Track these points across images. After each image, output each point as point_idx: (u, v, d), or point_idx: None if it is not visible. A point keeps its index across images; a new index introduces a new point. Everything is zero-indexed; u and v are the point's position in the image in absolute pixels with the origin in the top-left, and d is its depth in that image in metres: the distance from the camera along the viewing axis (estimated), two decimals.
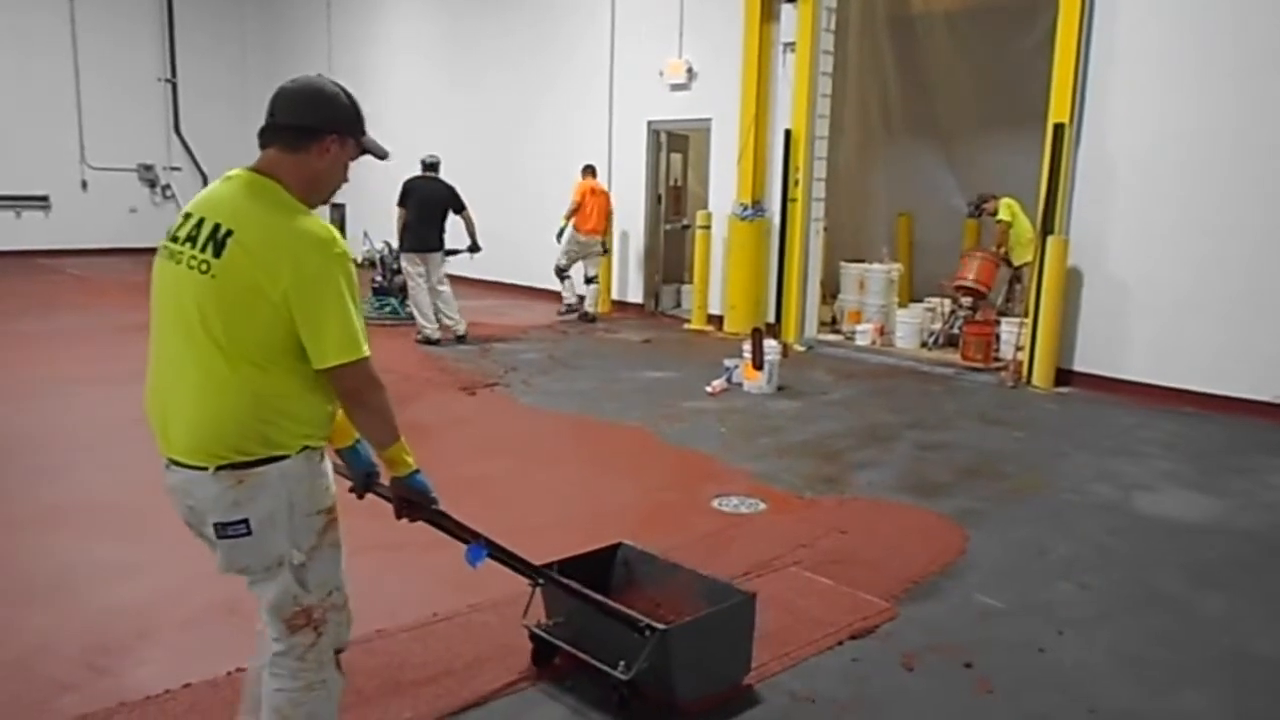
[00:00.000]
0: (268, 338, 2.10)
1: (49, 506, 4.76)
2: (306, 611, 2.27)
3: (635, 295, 12.20)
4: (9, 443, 5.86)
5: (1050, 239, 8.05)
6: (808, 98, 9.86)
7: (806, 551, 4.41)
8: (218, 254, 2.08)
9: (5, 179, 15.84)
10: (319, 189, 2.26)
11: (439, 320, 9.61)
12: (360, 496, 2.50)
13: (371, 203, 15.27)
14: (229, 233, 2.09)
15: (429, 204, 9.53)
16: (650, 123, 11.66)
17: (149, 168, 17.11)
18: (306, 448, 2.21)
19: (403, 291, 10.73)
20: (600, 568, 3.40)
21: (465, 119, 13.98)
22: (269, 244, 2.09)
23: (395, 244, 10.18)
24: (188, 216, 2.19)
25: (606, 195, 11.34)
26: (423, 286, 9.55)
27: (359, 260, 11.84)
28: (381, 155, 2.37)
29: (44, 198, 16.27)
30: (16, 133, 15.75)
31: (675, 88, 11.27)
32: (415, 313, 9.63)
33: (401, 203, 9.55)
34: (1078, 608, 3.95)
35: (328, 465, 2.32)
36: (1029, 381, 8.23)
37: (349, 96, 2.27)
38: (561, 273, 11.46)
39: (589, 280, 11.41)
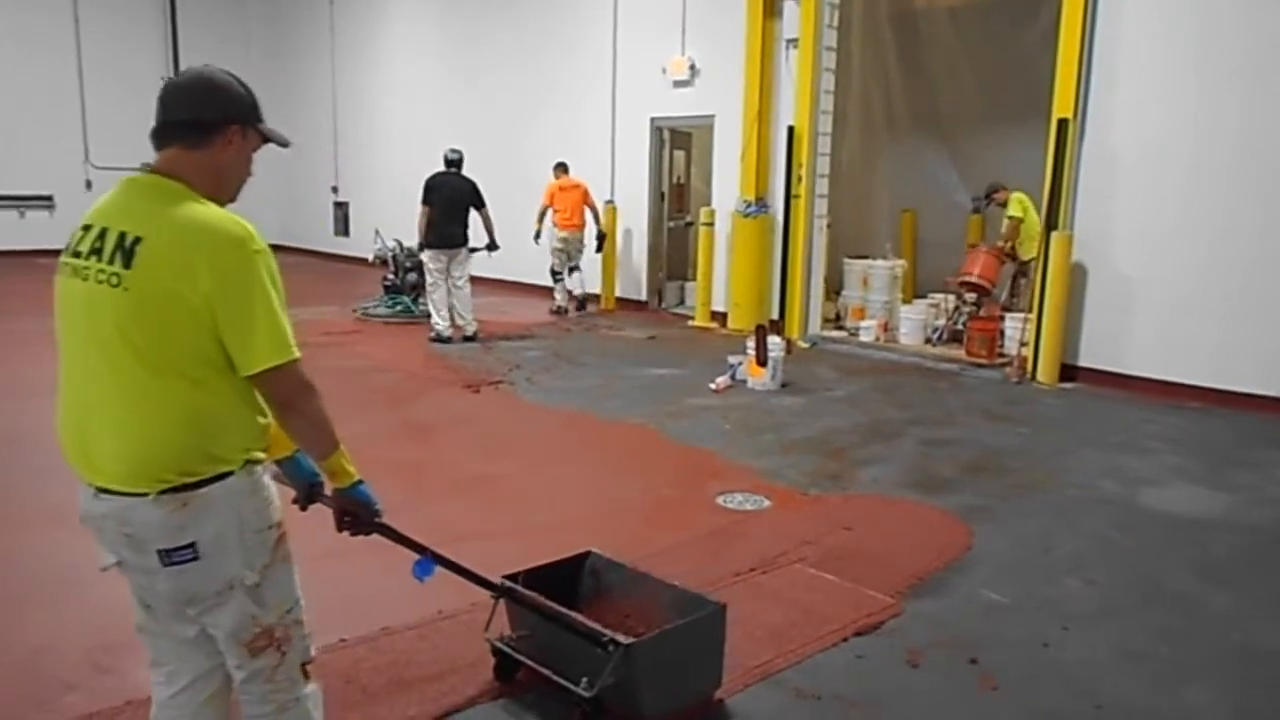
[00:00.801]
0: (195, 347, 1.95)
1: (52, 505, 4.76)
2: (268, 632, 2.14)
3: (639, 292, 12.20)
4: (12, 441, 5.88)
5: (1054, 234, 8.03)
6: (811, 94, 9.85)
7: (811, 548, 4.41)
8: (128, 264, 1.92)
9: (9, 179, 15.88)
10: (226, 185, 2.11)
11: (452, 319, 9.62)
12: (303, 509, 2.38)
13: (382, 200, 15.35)
14: (137, 239, 1.93)
15: (452, 200, 9.51)
16: (653, 119, 11.66)
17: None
18: (249, 461, 2.08)
19: (414, 290, 10.74)
20: (568, 577, 3.28)
21: (468, 117, 13.97)
22: (182, 246, 1.93)
23: (412, 241, 10.22)
24: (88, 228, 2.02)
25: (580, 189, 11.36)
26: (441, 284, 9.55)
27: (371, 259, 11.89)
28: (283, 143, 2.24)
29: (48, 197, 16.31)
30: (20, 133, 15.79)
31: (678, 84, 11.26)
32: (430, 309, 9.63)
33: (426, 200, 9.49)
34: (1083, 603, 3.95)
35: (268, 478, 2.19)
36: (1033, 377, 8.22)
37: (243, 85, 2.13)
38: (555, 274, 11.59)
39: (573, 269, 11.58)
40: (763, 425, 6.70)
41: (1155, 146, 7.67)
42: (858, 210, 11.54)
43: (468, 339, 9.58)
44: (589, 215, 11.44)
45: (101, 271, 1.95)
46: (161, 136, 2.07)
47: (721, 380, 7.80)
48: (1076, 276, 8.11)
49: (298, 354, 2.02)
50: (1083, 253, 8.07)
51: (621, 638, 2.75)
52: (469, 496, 5.13)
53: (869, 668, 3.35)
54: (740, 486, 5.28)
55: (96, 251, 1.97)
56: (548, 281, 11.92)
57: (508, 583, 3.06)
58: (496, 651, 3.12)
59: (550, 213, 11.35)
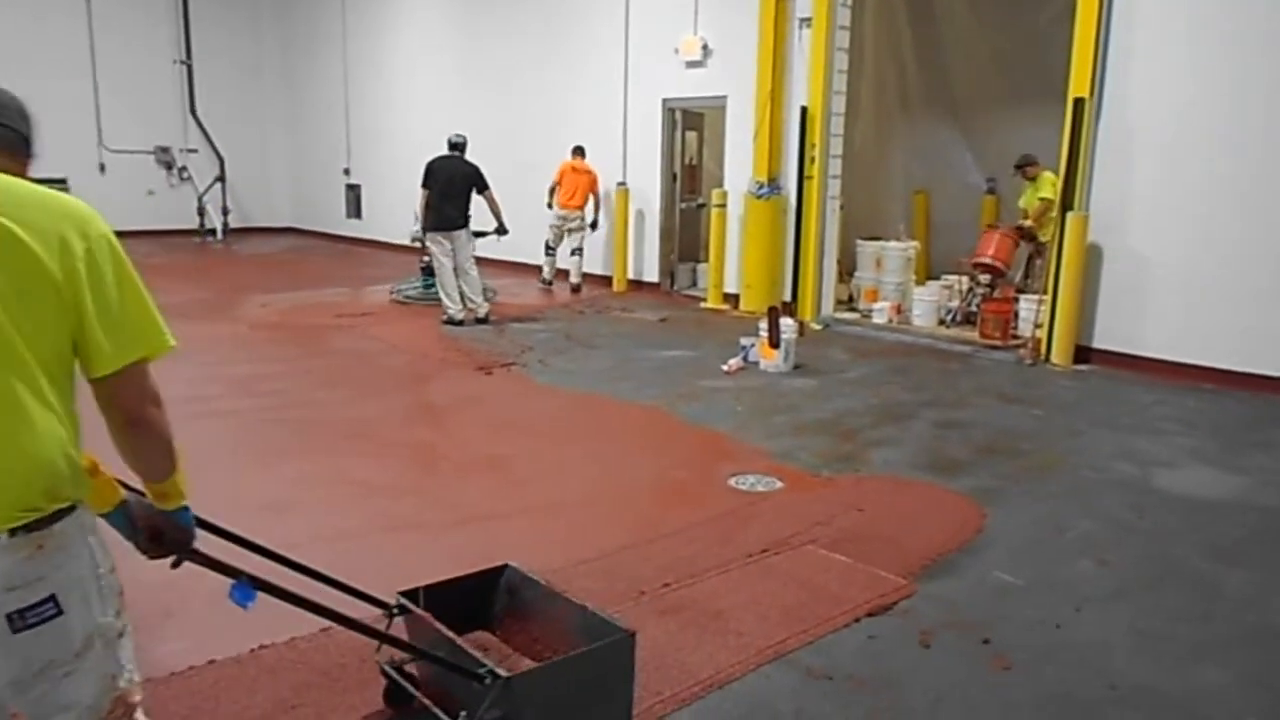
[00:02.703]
0: (59, 337, 1.63)
1: None
2: (123, 698, 1.79)
3: (651, 274, 12.19)
4: None
5: (1070, 215, 7.97)
6: (824, 74, 9.78)
7: (823, 529, 4.41)
8: None
9: None
10: None
11: (464, 301, 9.64)
12: None
13: (394, 182, 15.37)
14: None
15: (452, 182, 9.54)
16: (665, 101, 11.60)
17: (166, 150, 17.15)
18: None
19: None
20: (482, 593, 3.02)
21: (480, 99, 13.95)
22: (43, 216, 1.63)
23: (419, 225, 10.24)
24: None
25: (590, 174, 11.79)
26: (448, 266, 9.57)
27: (410, 240, 12.02)
28: None
29: (62, 180, 16.29)
30: (34, 116, 15.81)
31: (690, 65, 11.19)
32: (440, 293, 9.65)
33: (425, 183, 9.56)
34: (1096, 585, 3.94)
35: None
36: (1047, 359, 8.18)
37: None
38: (550, 249, 12.01)
39: (574, 252, 11.91)
40: (775, 407, 6.70)
41: (1172, 127, 7.59)
42: (871, 191, 11.48)
43: (480, 321, 9.60)
44: (590, 200, 11.86)
45: None
46: None
47: (734, 362, 7.80)
48: (1092, 258, 8.05)
49: (173, 341, 1.75)
50: (1098, 234, 8.01)
51: (501, 670, 2.43)
52: (480, 477, 5.15)
53: (881, 648, 3.35)
54: (752, 468, 5.28)
55: None
56: (559, 264, 11.98)
57: (403, 600, 2.80)
58: (387, 675, 2.86)
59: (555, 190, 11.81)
